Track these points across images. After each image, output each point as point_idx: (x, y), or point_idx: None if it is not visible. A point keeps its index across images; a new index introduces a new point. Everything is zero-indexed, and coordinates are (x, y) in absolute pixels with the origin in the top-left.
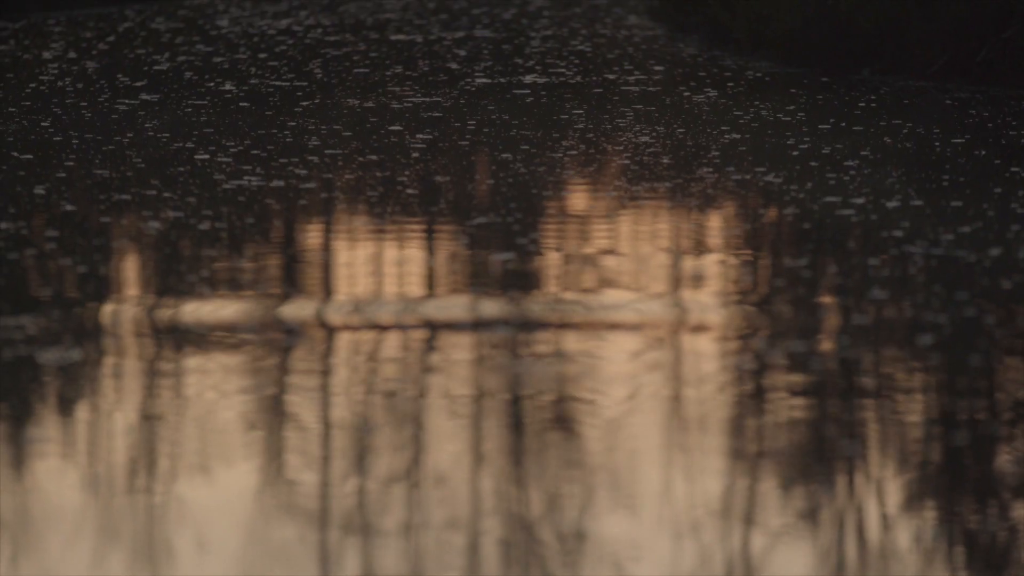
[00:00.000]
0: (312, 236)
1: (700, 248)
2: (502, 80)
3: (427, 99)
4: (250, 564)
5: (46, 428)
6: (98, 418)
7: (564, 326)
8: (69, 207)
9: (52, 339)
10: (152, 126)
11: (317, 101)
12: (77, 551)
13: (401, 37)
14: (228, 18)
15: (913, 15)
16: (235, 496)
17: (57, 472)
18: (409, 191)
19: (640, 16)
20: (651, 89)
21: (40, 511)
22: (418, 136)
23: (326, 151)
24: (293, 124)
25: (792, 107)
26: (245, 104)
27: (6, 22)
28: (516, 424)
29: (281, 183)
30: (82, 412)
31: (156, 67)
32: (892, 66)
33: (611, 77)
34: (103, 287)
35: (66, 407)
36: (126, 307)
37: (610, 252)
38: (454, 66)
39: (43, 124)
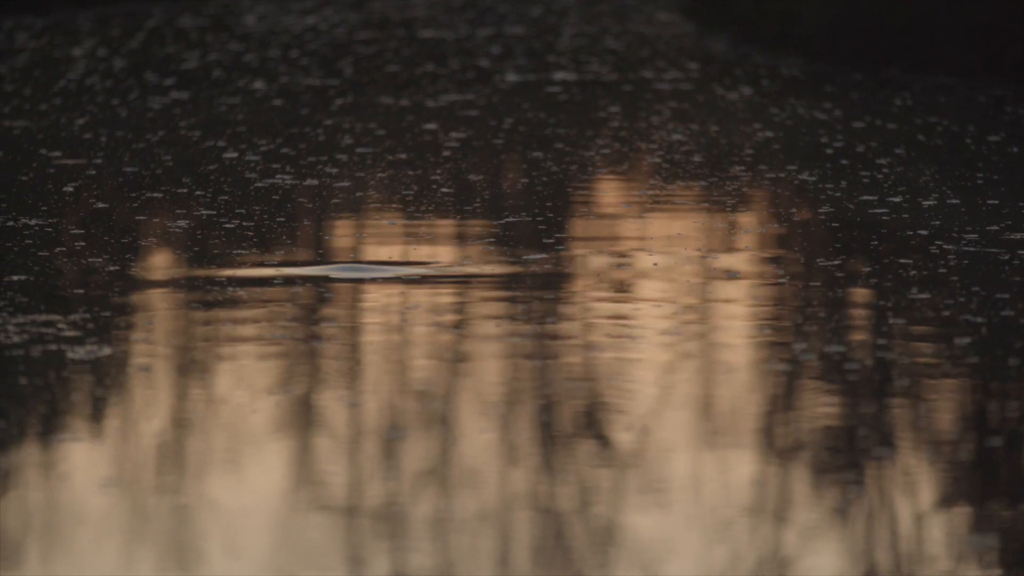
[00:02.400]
0: (343, 232)
1: (732, 246)
2: (534, 77)
3: (460, 97)
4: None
5: (77, 423)
6: (130, 416)
7: (593, 325)
8: (100, 204)
9: (83, 336)
10: (185, 124)
11: (350, 99)
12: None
13: (431, 34)
14: (255, 15)
15: (943, 12)
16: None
17: (93, 465)
18: (444, 190)
19: (670, 13)
20: (684, 87)
21: (85, 502)
22: (452, 135)
23: (358, 149)
24: (328, 123)
25: (826, 105)
26: (278, 102)
27: (34, 17)
28: (549, 416)
29: (315, 182)
30: (113, 408)
31: (186, 65)
32: (922, 63)
33: (647, 76)
34: (133, 284)
35: (97, 402)
36: (156, 305)
37: (641, 251)
38: (486, 64)
39: (73, 122)
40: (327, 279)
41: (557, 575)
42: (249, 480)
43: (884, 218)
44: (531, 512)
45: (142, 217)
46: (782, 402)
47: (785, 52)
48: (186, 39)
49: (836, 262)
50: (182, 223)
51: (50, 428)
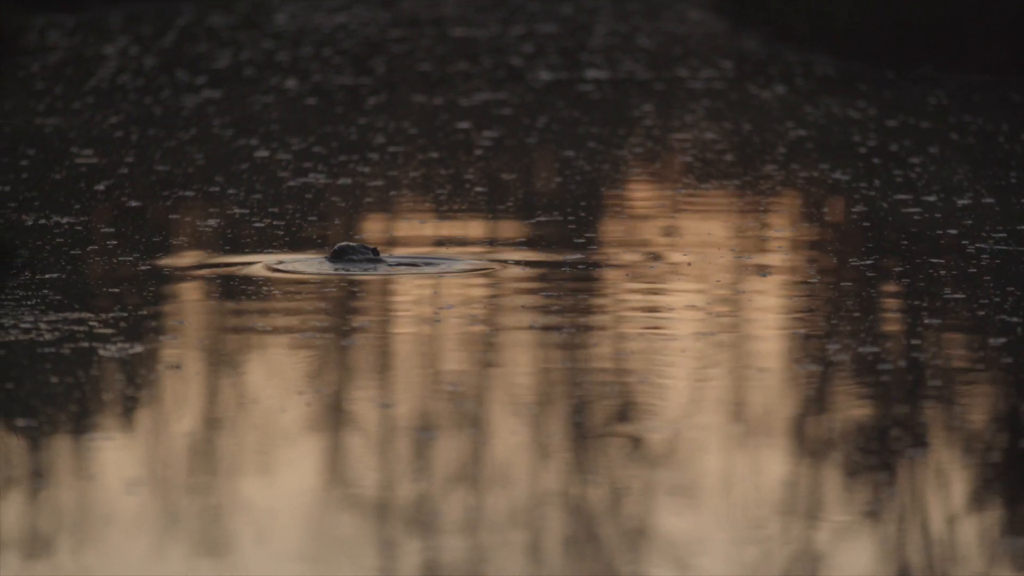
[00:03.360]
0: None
1: (764, 245)
2: (567, 76)
3: (494, 96)
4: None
5: (108, 420)
6: (161, 414)
7: (626, 323)
8: (132, 203)
9: (114, 334)
10: (218, 123)
11: (383, 98)
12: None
13: (462, 33)
14: (285, 14)
15: (975, 9)
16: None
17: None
18: (477, 189)
19: (701, 11)
20: (717, 86)
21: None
22: (485, 133)
23: (391, 148)
24: (362, 122)
25: (860, 103)
26: (311, 101)
27: (66, 15)
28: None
29: (348, 180)
30: (143, 406)
31: (218, 63)
32: (954, 61)
33: (681, 74)
34: (164, 282)
35: (128, 400)
36: (188, 303)
37: (674, 250)
38: (518, 62)
39: (105, 120)
40: (359, 277)
41: (589, 572)
42: (280, 477)
43: (916, 217)
44: (563, 510)
45: (174, 216)
46: (814, 402)
47: (817, 50)
48: (218, 37)
49: (869, 261)
50: (214, 221)
51: (81, 426)
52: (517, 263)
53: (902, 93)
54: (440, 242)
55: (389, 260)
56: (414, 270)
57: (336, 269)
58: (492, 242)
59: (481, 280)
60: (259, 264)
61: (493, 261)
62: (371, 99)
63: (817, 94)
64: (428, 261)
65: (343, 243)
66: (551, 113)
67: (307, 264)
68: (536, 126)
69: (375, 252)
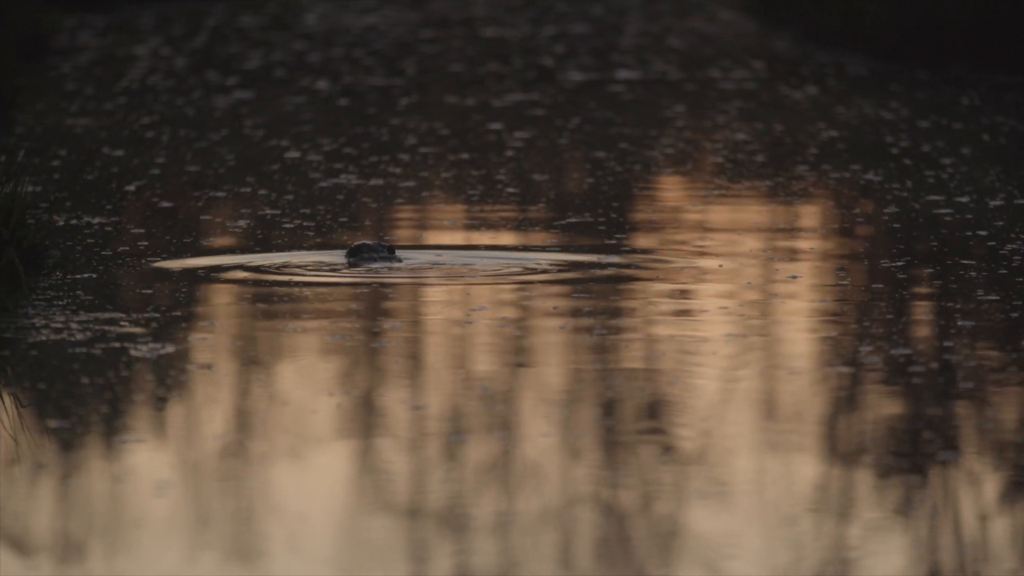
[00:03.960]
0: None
1: (796, 246)
2: (599, 76)
3: (526, 96)
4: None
5: (139, 421)
6: (192, 415)
7: (656, 325)
8: (163, 203)
9: (145, 334)
10: (250, 124)
11: (415, 99)
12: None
13: (493, 33)
14: (315, 14)
15: (1007, 10)
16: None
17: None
18: (508, 189)
19: (732, 11)
20: (748, 86)
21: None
22: (516, 134)
23: (422, 149)
24: (395, 122)
25: (892, 104)
26: (343, 102)
27: (97, 15)
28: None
29: (380, 181)
30: (175, 407)
31: (249, 64)
32: (986, 61)
33: (713, 75)
34: (195, 283)
35: (159, 401)
36: (218, 303)
37: (705, 251)
38: (549, 62)
39: (136, 121)
40: (390, 278)
41: (620, 574)
42: (311, 479)
43: (948, 219)
44: (594, 511)
45: (205, 216)
46: (846, 403)
47: (848, 50)
48: (248, 38)
49: (900, 263)
50: (245, 222)
51: (112, 427)
52: (547, 264)
53: (934, 94)
54: (469, 243)
55: (405, 259)
56: (447, 273)
57: (351, 265)
58: (523, 243)
59: (512, 281)
60: (283, 263)
61: (523, 261)
62: (403, 100)
63: (849, 95)
64: (438, 263)
65: (360, 242)
66: (583, 114)
67: (327, 262)
68: (568, 127)
69: (391, 251)
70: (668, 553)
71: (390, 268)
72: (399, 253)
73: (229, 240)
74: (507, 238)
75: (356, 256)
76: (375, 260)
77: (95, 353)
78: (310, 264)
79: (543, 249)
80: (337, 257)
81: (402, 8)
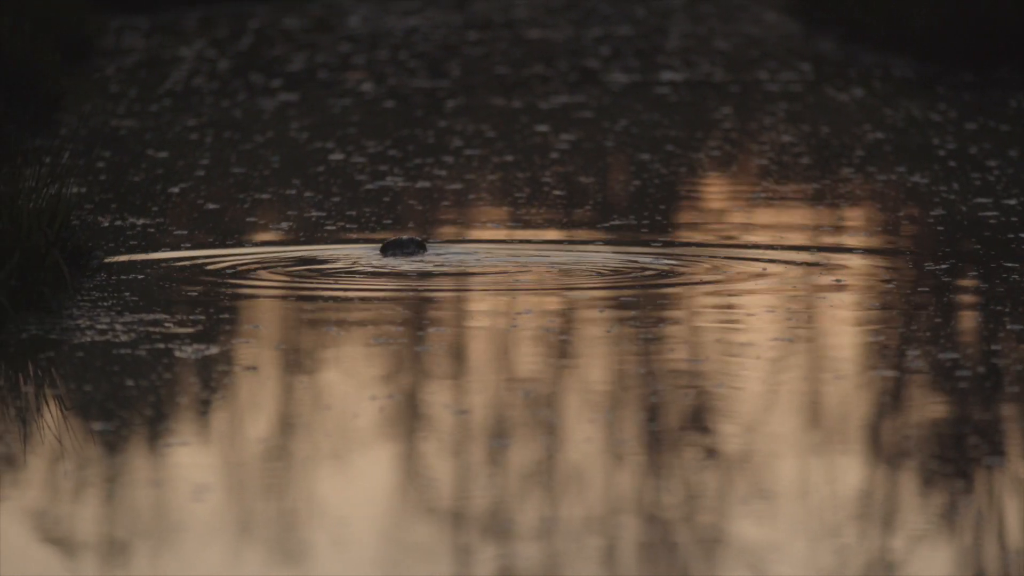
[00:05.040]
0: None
1: (841, 249)
2: (644, 78)
3: (572, 99)
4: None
5: (184, 423)
6: (237, 417)
7: (701, 328)
8: (208, 206)
9: (190, 335)
10: (296, 126)
11: (462, 101)
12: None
13: (537, 35)
14: (358, 16)
15: None
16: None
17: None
18: (555, 192)
19: (776, 12)
20: (794, 88)
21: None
22: (562, 136)
23: (467, 151)
24: (442, 125)
25: (940, 106)
26: (389, 104)
27: (142, 16)
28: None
29: (427, 184)
30: (219, 409)
31: (293, 66)
32: None
33: (761, 77)
34: (240, 285)
35: (204, 403)
36: (263, 305)
37: (750, 254)
38: (595, 64)
39: (181, 122)
40: (435, 282)
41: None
42: (354, 483)
43: (994, 221)
44: (638, 516)
45: (250, 218)
46: (892, 408)
47: (894, 52)
48: (293, 40)
49: (946, 266)
50: (290, 224)
51: (157, 429)
52: (592, 266)
53: (981, 96)
54: (511, 240)
55: (439, 253)
56: (487, 272)
57: (386, 259)
58: (568, 245)
59: (556, 284)
60: (322, 261)
61: (568, 265)
62: (449, 102)
63: (896, 97)
64: (477, 258)
65: (394, 237)
66: (630, 116)
67: (364, 257)
68: (615, 129)
69: (422, 245)
70: (711, 558)
71: (422, 262)
72: (431, 247)
73: (273, 242)
74: (552, 239)
75: (389, 251)
76: (407, 255)
77: (140, 355)
78: (348, 259)
79: (588, 251)
80: (371, 252)
81: (444, 10)
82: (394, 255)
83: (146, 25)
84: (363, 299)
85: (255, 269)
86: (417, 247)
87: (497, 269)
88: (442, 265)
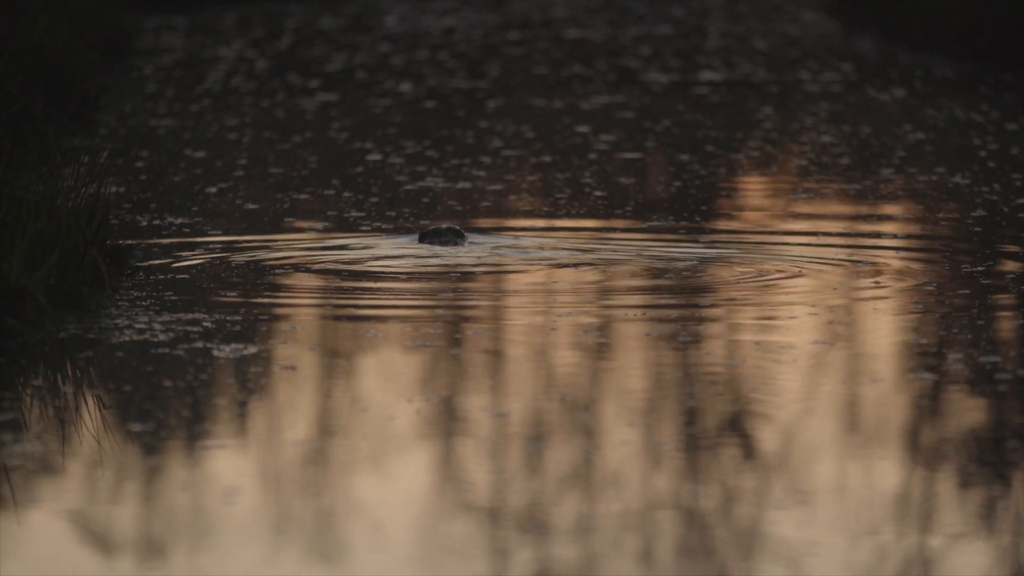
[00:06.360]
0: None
1: (881, 250)
2: (685, 78)
3: (612, 99)
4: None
5: (221, 422)
6: (275, 417)
7: (740, 329)
8: (247, 205)
9: (228, 335)
10: (336, 127)
11: (502, 101)
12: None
13: (576, 35)
14: (395, 16)
15: None
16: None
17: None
18: (596, 193)
19: (814, 12)
20: (834, 88)
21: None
22: (602, 137)
23: (505, 152)
24: (483, 125)
25: (982, 106)
26: (429, 104)
27: (180, 16)
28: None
29: (467, 184)
30: (257, 409)
31: (331, 66)
32: None
33: (802, 77)
34: (278, 285)
35: (242, 402)
36: (301, 305)
37: (789, 255)
38: (634, 64)
39: (219, 122)
40: (474, 284)
41: (700, 574)
42: (391, 483)
43: None
44: (675, 515)
45: (289, 218)
46: (930, 411)
47: (932, 52)
48: (331, 40)
49: (987, 267)
50: (328, 224)
51: (195, 429)
52: (631, 267)
53: (1022, 96)
54: (550, 237)
55: (476, 243)
56: (524, 268)
57: (422, 246)
58: (607, 245)
59: (594, 284)
60: (360, 255)
61: (607, 267)
62: (489, 103)
63: (936, 97)
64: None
65: (432, 227)
66: (672, 116)
67: (400, 247)
68: (655, 129)
69: (459, 235)
70: (748, 559)
71: (458, 250)
72: (469, 237)
73: (312, 242)
74: (590, 238)
75: (427, 239)
76: (444, 243)
77: (178, 354)
78: (388, 252)
79: (626, 252)
80: (410, 242)
81: (481, 10)
82: (431, 243)
83: (184, 25)
84: (400, 302)
85: (293, 269)
86: (455, 236)
87: (533, 265)
88: (480, 257)
